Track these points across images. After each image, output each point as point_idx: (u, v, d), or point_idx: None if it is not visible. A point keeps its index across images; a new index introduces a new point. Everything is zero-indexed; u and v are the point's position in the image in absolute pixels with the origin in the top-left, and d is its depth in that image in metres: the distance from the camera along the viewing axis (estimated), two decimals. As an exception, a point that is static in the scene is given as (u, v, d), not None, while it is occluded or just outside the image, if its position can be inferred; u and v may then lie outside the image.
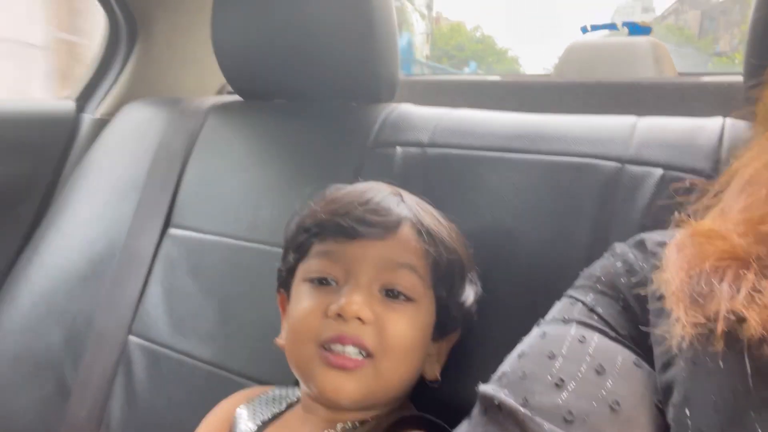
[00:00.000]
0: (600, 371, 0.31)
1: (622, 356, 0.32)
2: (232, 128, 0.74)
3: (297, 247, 0.47)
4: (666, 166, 0.48)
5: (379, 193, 0.46)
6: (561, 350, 0.32)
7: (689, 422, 0.28)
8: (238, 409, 0.49)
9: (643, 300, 0.34)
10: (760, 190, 0.32)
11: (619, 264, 0.36)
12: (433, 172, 0.58)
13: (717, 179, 0.36)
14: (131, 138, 0.80)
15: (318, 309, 0.43)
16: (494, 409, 0.31)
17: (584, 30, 1.86)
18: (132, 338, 0.66)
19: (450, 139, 0.59)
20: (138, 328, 0.66)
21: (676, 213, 0.37)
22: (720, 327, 0.28)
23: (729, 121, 0.51)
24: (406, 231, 0.44)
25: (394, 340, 0.42)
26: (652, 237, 0.37)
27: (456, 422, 0.35)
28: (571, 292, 0.38)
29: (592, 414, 0.29)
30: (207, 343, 0.62)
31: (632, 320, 0.34)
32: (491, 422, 0.31)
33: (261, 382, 0.57)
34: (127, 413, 0.63)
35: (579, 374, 0.31)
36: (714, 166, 0.47)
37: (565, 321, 0.35)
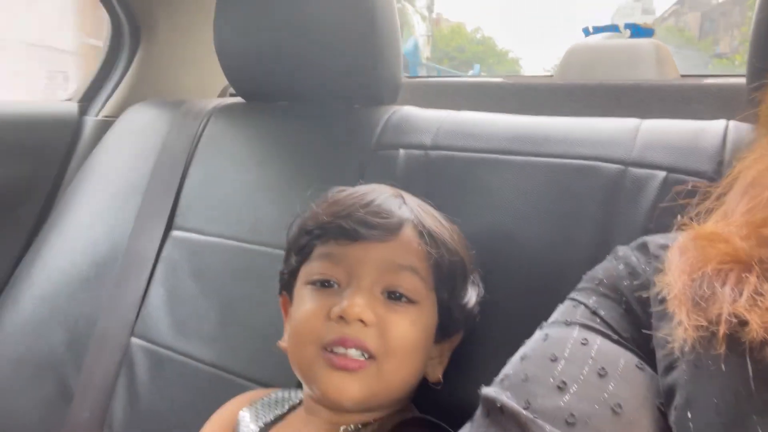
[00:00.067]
0: (602, 374, 0.31)
1: (624, 359, 0.32)
2: (235, 130, 0.74)
3: (299, 250, 0.47)
4: (669, 169, 0.48)
5: (381, 195, 0.46)
6: (563, 353, 0.32)
7: (691, 425, 0.28)
8: (240, 412, 0.49)
9: (645, 303, 0.34)
10: (763, 193, 0.32)
11: (621, 267, 0.36)
12: (436, 174, 0.58)
13: (720, 182, 0.36)
14: (134, 140, 0.80)
15: (320, 311, 0.43)
16: (497, 411, 0.31)
17: (586, 32, 1.86)
18: (134, 340, 0.66)
19: (453, 141, 0.59)
20: (140, 330, 0.66)
21: (678, 216, 0.37)
22: (722, 330, 0.28)
23: (732, 123, 0.51)
24: (408, 233, 0.44)
25: (397, 341, 0.42)
26: (654, 240, 0.37)
27: (458, 424, 0.35)
28: (573, 294, 0.38)
29: (594, 417, 0.29)
30: (209, 345, 0.62)
31: (634, 323, 0.34)
32: (493, 425, 0.31)
33: (263, 384, 0.57)
34: (129, 415, 0.63)
35: (581, 377, 0.31)
36: (717, 169, 0.47)
37: (568, 324, 0.35)
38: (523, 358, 0.34)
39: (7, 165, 0.84)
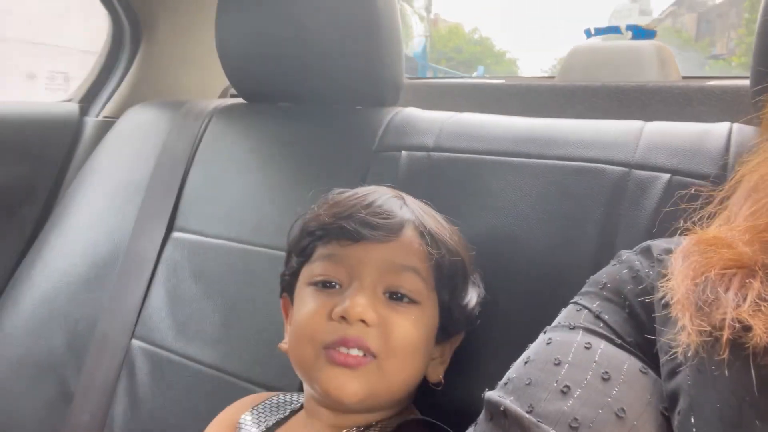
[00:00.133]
0: (606, 378, 0.31)
1: (628, 363, 0.32)
2: (236, 131, 0.74)
3: (300, 251, 0.47)
4: (673, 171, 0.48)
5: (382, 196, 0.46)
6: (567, 357, 0.32)
7: (694, 430, 0.28)
8: (241, 417, 0.48)
9: (649, 307, 0.34)
10: (766, 197, 0.32)
11: (625, 271, 0.36)
12: (438, 176, 0.58)
13: (723, 185, 0.36)
14: (134, 141, 0.80)
15: (322, 311, 0.43)
16: (500, 415, 0.31)
17: (588, 33, 1.86)
18: (135, 342, 0.66)
19: (455, 143, 0.59)
20: (141, 332, 0.66)
21: (681, 221, 0.37)
22: (725, 335, 0.28)
23: (736, 126, 0.51)
24: (409, 234, 0.45)
25: (399, 341, 0.42)
26: (658, 244, 0.37)
27: (459, 426, 0.34)
28: (577, 298, 0.37)
29: (598, 421, 0.29)
30: (210, 347, 0.61)
31: (638, 327, 0.34)
32: (497, 428, 0.31)
33: (265, 386, 0.56)
34: (129, 418, 0.63)
35: (585, 381, 0.31)
36: (721, 172, 0.47)
37: (571, 328, 0.34)
38: (526, 362, 0.34)
39: (8, 165, 0.83)
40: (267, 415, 0.48)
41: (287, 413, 0.48)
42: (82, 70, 0.97)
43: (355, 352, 0.41)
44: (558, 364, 0.32)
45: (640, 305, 0.34)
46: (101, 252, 0.72)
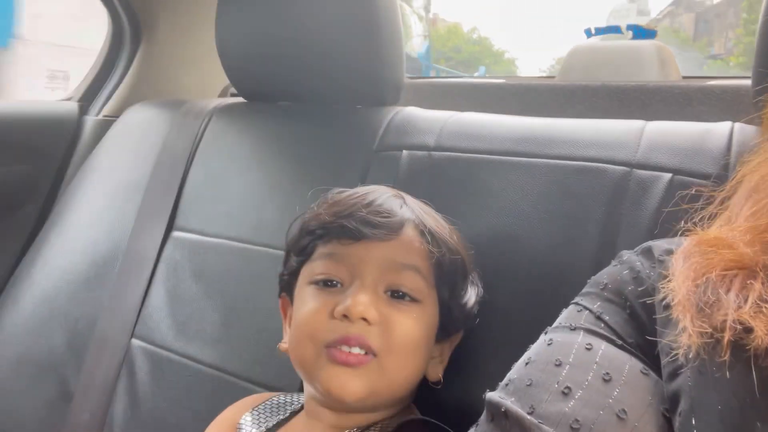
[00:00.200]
0: (607, 379, 0.31)
1: (629, 364, 0.32)
2: (236, 130, 0.74)
3: (300, 251, 0.47)
4: (675, 171, 0.48)
5: (382, 195, 0.46)
6: (568, 358, 0.32)
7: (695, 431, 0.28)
8: (241, 418, 0.48)
9: (650, 308, 0.34)
10: (767, 198, 0.32)
11: (626, 272, 0.36)
12: (439, 175, 0.57)
13: (724, 185, 0.36)
14: (134, 140, 0.80)
15: (324, 310, 0.43)
16: (501, 416, 0.31)
17: (588, 33, 1.85)
18: (135, 341, 0.66)
19: (456, 142, 0.59)
20: (141, 331, 0.66)
21: (683, 221, 0.37)
22: (726, 337, 0.27)
23: (738, 125, 0.51)
24: (410, 232, 0.45)
25: (400, 340, 0.42)
26: (659, 245, 0.37)
27: (460, 426, 0.34)
28: (578, 299, 0.37)
29: (599, 422, 0.29)
30: (211, 346, 0.61)
31: (639, 328, 0.34)
32: (498, 430, 0.30)
33: (265, 386, 0.56)
34: (129, 417, 0.63)
35: (586, 382, 0.31)
36: (723, 171, 0.47)
37: (572, 328, 0.34)
38: (527, 363, 0.34)
39: (8, 164, 0.83)
40: (267, 416, 0.48)
41: (288, 414, 0.48)
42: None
43: (356, 350, 0.41)
44: (559, 365, 0.32)
45: (641, 306, 0.34)
46: (101, 251, 0.72)
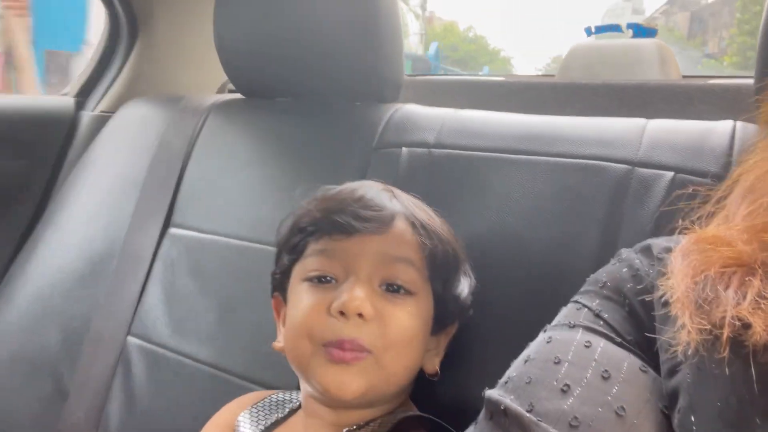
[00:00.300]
0: (606, 377, 0.31)
1: (627, 362, 0.32)
2: (234, 127, 0.74)
3: (291, 249, 0.47)
4: (676, 169, 0.48)
5: (371, 189, 0.46)
6: (567, 356, 0.32)
7: (694, 428, 0.28)
8: (239, 416, 0.48)
9: (648, 306, 0.34)
10: (762, 198, 0.32)
11: (625, 270, 0.36)
12: (439, 173, 0.57)
13: (720, 185, 0.37)
14: (131, 136, 0.80)
15: (319, 306, 0.43)
16: (500, 414, 0.31)
17: (588, 32, 1.85)
18: (131, 339, 0.65)
19: (456, 140, 0.59)
20: (137, 328, 0.66)
21: (681, 219, 0.37)
22: (725, 333, 0.28)
23: (740, 123, 0.50)
24: (401, 225, 0.45)
25: (396, 334, 0.42)
26: (658, 243, 0.37)
27: (458, 423, 0.34)
28: (576, 297, 0.37)
29: (598, 419, 0.29)
30: (207, 344, 0.61)
31: (638, 326, 0.34)
32: (497, 427, 0.30)
33: (262, 384, 0.56)
34: (125, 415, 0.62)
35: (585, 380, 0.31)
36: (725, 170, 0.46)
37: (571, 326, 0.34)
38: (526, 361, 0.34)
39: (3, 160, 0.83)
40: (265, 414, 0.48)
41: (286, 412, 0.48)
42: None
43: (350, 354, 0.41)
44: (558, 362, 0.32)
45: (640, 304, 0.34)
46: (97, 248, 0.72)
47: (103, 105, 0.91)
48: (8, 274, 0.77)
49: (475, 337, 0.49)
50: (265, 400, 0.49)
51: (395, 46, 0.69)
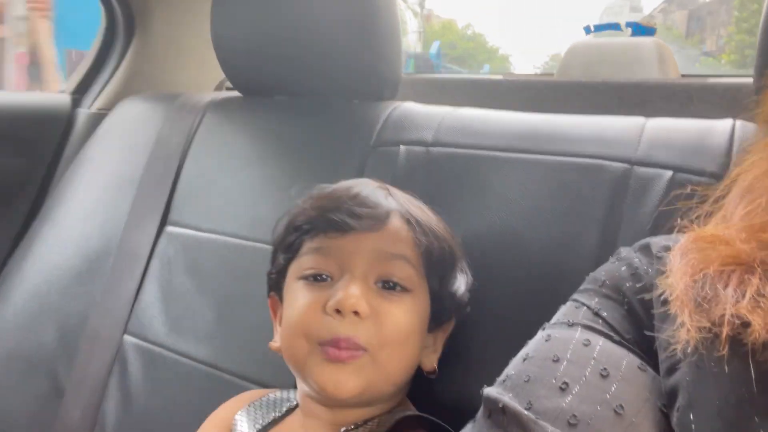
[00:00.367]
0: (604, 375, 0.31)
1: (626, 360, 0.32)
2: (232, 124, 0.73)
3: (287, 248, 0.47)
4: (675, 168, 0.48)
5: (366, 187, 0.46)
6: (566, 354, 0.32)
7: (693, 427, 0.28)
8: (236, 415, 0.48)
9: (647, 304, 0.34)
10: (760, 198, 0.32)
11: (624, 268, 0.36)
12: (438, 171, 0.57)
13: (717, 185, 0.37)
14: (128, 133, 0.79)
15: (315, 304, 0.43)
16: (498, 412, 0.30)
17: (587, 30, 1.85)
18: (127, 337, 0.65)
19: (455, 138, 0.58)
20: (133, 327, 0.65)
21: (680, 218, 0.37)
22: (725, 331, 0.28)
23: (739, 122, 0.50)
24: (396, 222, 0.45)
25: (392, 332, 0.42)
26: (657, 241, 0.37)
27: (457, 423, 0.34)
28: (576, 296, 0.37)
29: (596, 418, 0.29)
30: (204, 343, 0.61)
31: (637, 324, 0.34)
32: (495, 425, 0.30)
33: (259, 383, 0.56)
34: (121, 414, 0.62)
35: (583, 378, 0.31)
36: (724, 169, 0.46)
37: (570, 325, 0.34)
38: (525, 359, 0.33)
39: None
40: (263, 413, 0.47)
41: (284, 411, 0.48)
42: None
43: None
44: (557, 360, 0.32)
45: (639, 302, 0.34)
46: (93, 245, 0.71)
47: (100, 102, 0.91)
48: (5, 272, 0.77)
49: (473, 336, 0.49)
50: (263, 399, 0.49)
51: (393, 44, 0.69)
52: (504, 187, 0.53)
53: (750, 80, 0.52)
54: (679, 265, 0.32)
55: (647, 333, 0.33)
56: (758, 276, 0.29)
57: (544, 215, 0.51)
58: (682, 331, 0.29)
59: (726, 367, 0.27)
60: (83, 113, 0.90)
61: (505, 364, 0.34)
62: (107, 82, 0.92)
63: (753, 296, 0.28)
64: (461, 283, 0.47)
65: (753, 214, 0.32)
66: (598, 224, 0.48)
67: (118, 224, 0.70)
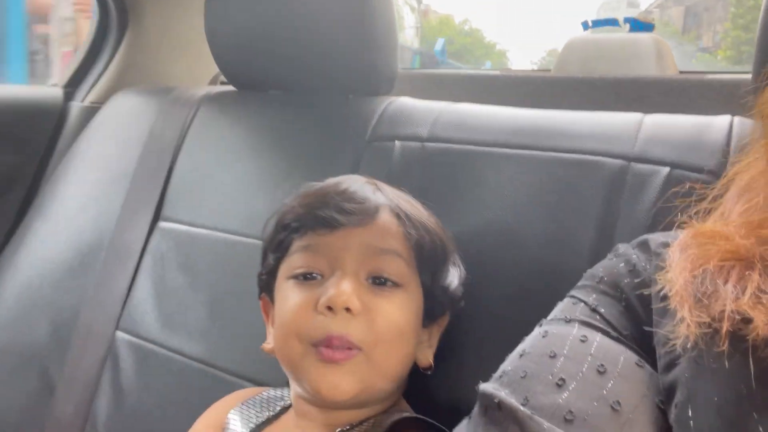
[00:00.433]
0: (601, 371, 0.30)
1: (623, 356, 0.32)
2: (226, 119, 0.73)
3: (276, 246, 0.46)
4: (673, 165, 0.47)
5: (354, 183, 0.46)
6: (562, 350, 0.32)
7: (692, 423, 0.27)
8: (229, 414, 0.47)
9: (645, 301, 0.33)
10: (758, 196, 0.32)
11: (621, 265, 0.36)
12: (433, 167, 0.57)
13: (715, 184, 0.36)
14: (121, 127, 0.79)
15: (306, 303, 0.42)
16: (494, 408, 0.30)
17: (585, 26, 1.85)
18: (120, 333, 0.65)
19: (450, 133, 0.58)
20: (126, 323, 0.65)
21: (679, 215, 0.37)
22: (725, 327, 0.27)
23: (737, 119, 0.50)
24: (386, 216, 0.44)
25: (385, 328, 0.42)
26: (655, 238, 0.37)
27: (453, 423, 0.34)
28: (573, 292, 0.37)
29: (593, 414, 0.29)
30: (197, 339, 0.60)
31: (634, 321, 0.33)
32: (491, 422, 0.30)
33: (253, 380, 0.55)
34: (114, 410, 0.62)
35: (580, 374, 0.30)
36: (722, 165, 0.46)
37: (567, 321, 0.34)
38: (521, 355, 0.33)
39: (-10, 151, 0.81)
40: (256, 412, 0.47)
41: (278, 410, 0.47)
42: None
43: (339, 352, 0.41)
44: (553, 356, 0.32)
45: (637, 298, 0.34)
46: (86, 240, 0.71)
47: (93, 96, 0.90)
48: (-4, 267, 0.76)
49: (468, 332, 0.49)
50: (256, 397, 0.49)
51: (389, 39, 0.68)
52: (500, 182, 0.53)
53: (747, 76, 0.52)
54: (679, 261, 0.32)
55: (646, 329, 0.32)
56: (758, 272, 0.29)
57: (540, 211, 0.50)
58: (681, 327, 0.29)
59: (726, 363, 0.27)
60: (76, 106, 0.89)
61: (501, 361, 0.34)
62: (100, 75, 0.91)
63: (754, 292, 0.28)
64: (454, 277, 0.47)
65: (751, 211, 0.32)
66: (595, 220, 0.48)
67: (110, 219, 0.70)
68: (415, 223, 0.45)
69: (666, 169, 0.47)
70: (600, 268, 0.37)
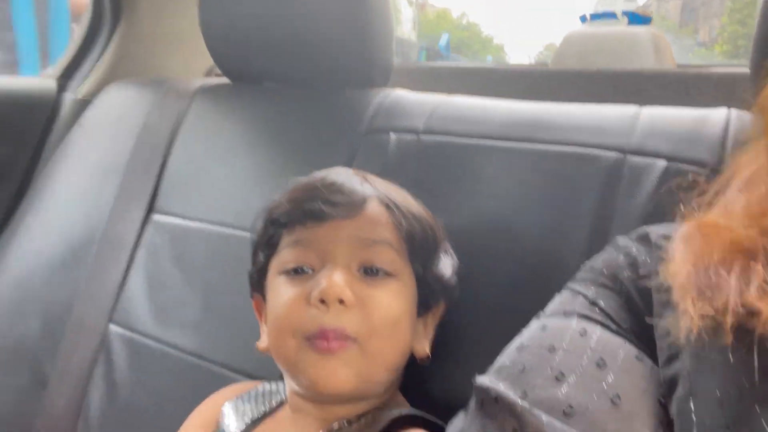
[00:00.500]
0: (601, 365, 0.30)
1: (623, 350, 0.31)
2: (220, 111, 0.72)
3: (266, 243, 0.46)
4: (669, 158, 0.47)
5: (341, 175, 0.46)
6: (562, 343, 0.32)
7: (693, 416, 0.27)
8: (224, 407, 0.47)
9: (646, 293, 0.33)
10: (760, 188, 0.32)
11: (621, 257, 0.36)
12: (429, 160, 0.56)
13: (719, 175, 0.36)
14: (114, 119, 0.78)
15: (299, 298, 0.42)
16: (491, 402, 0.30)
17: (583, 19, 1.84)
18: (112, 327, 0.64)
19: (446, 126, 0.57)
20: (119, 316, 0.64)
21: (681, 206, 0.36)
22: (729, 320, 0.27)
23: (734, 112, 0.50)
24: (375, 207, 0.44)
25: (380, 318, 0.41)
26: (655, 230, 0.37)
27: (449, 417, 0.34)
28: (572, 284, 0.37)
29: (593, 407, 0.28)
30: (191, 333, 0.60)
31: (634, 314, 0.33)
32: (487, 416, 0.30)
33: (247, 374, 0.55)
34: (106, 404, 0.61)
35: (580, 367, 0.30)
36: (719, 158, 0.46)
37: (566, 314, 0.34)
38: (520, 348, 0.33)
39: (-19, 143, 0.81)
40: (251, 406, 0.47)
41: (274, 405, 0.47)
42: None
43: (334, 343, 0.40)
44: (553, 350, 0.31)
45: (637, 291, 0.34)
46: (78, 233, 0.70)
47: (86, 87, 0.89)
48: (-12, 260, 0.75)
49: (463, 326, 0.49)
50: (251, 391, 0.48)
51: (385, 31, 0.67)
52: (496, 175, 0.53)
53: (745, 70, 0.51)
54: (682, 252, 0.31)
55: (647, 321, 0.32)
56: (762, 263, 0.28)
57: (536, 204, 0.50)
58: (684, 319, 0.29)
59: (730, 356, 0.27)
60: (69, 98, 0.88)
61: (496, 353, 0.34)
62: (93, 67, 0.90)
63: (760, 284, 0.27)
64: (447, 266, 0.46)
65: (754, 202, 0.32)
66: (591, 213, 0.48)
67: (103, 211, 0.69)
68: (404, 213, 0.44)
69: (662, 162, 0.47)
70: (599, 261, 0.37)
